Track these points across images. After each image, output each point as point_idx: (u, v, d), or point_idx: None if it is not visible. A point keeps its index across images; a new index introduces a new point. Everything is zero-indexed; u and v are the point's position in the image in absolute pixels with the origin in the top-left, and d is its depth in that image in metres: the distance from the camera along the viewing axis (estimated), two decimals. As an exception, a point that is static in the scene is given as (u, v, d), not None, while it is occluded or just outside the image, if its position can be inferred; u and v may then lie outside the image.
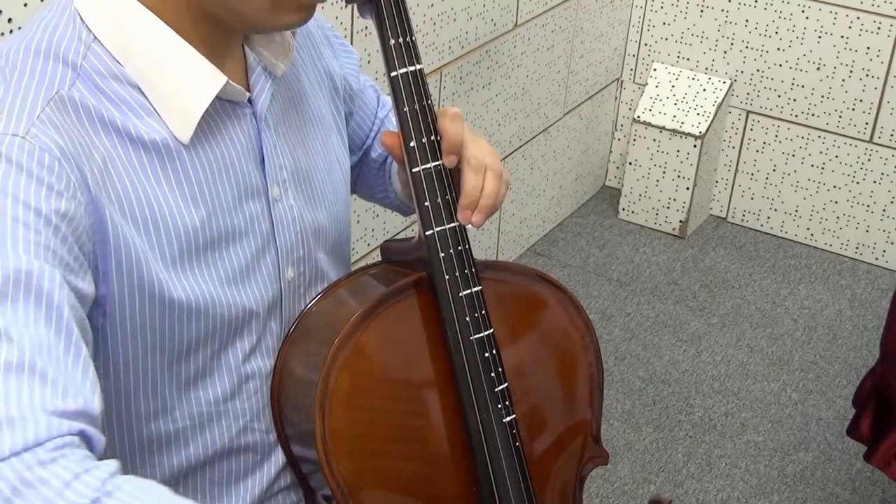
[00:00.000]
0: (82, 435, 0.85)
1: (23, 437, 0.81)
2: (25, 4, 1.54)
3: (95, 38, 1.01)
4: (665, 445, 2.57)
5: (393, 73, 1.11)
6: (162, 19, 1.01)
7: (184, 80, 1.02)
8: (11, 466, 0.80)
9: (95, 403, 0.88)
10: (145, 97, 1.02)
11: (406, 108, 1.12)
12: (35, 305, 0.88)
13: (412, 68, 1.11)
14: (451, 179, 1.14)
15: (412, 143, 1.12)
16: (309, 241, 1.18)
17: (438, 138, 1.13)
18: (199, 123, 1.03)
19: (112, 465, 0.84)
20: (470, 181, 1.13)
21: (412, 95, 1.12)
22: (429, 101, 1.13)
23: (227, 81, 1.04)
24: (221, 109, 1.07)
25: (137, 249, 1.00)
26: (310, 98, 1.21)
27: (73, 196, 0.94)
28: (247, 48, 1.11)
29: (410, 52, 1.11)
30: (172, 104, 1.02)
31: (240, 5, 1.01)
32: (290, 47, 1.13)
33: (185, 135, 1.03)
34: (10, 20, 1.53)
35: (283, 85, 1.16)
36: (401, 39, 1.11)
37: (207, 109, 1.04)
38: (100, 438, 0.87)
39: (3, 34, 1.53)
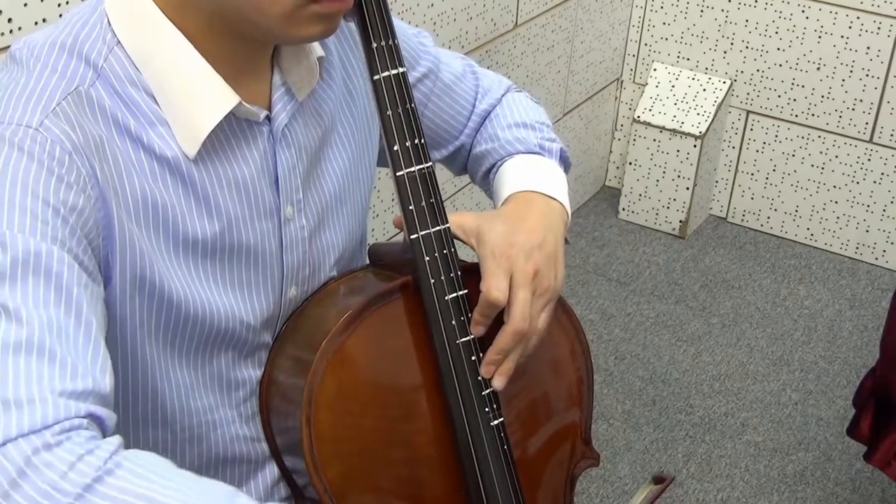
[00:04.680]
0: (91, 417, 0.86)
1: (30, 419, 0.82)
2: (25, 4, 1.55)
3: (119, 41, 1.01)
4: (665, 445, 2.57)
5: (375, 77, 1.10)
6: (183, 33, 1.01)
7: (195, 97, 1.01)
8: (18, 448, 0.81)
9: (106, 382, 0.89)
10: (159, 106, 1.01)
11: (389, 112, 1.11)
12: (44, 285, 0.88)
13: (395, 71, 1.10)
14: (435, 182, 1.13)
15: (396, 148, 1.11)
16: (316, 261, 1.17)
17: (422, 141, 1.12)
18: (210, 139, 1.03)
19: (114, 441, 0.84)
20: (500, 344, 1.13)
21: (395, 99, 1.11)
22: (412, 105, 1.12)
23: (240, 102, 1.03)
24: (237, 127, 1.06)
25: (142, 248, 1.00)
26: (345, 114, 1.19)
27: (82, 189, 0.94)
28: (276, 66, 1.10)
29: (393, 56, 1.10)
30: (182, 118, 1.01)
31: (256, 18, 0.99)
32: (315, 73, 1.12)
33: (192, 150, 1.02)
34: (10, 20, 1.53)
35: (311, 104, 1.14)
36: (383, 42, 1.10)
37: (220, 125, 1.03)
38: (110, 417, 0.88)
39: (2, 34, 1.53)
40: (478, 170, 1.36)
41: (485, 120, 1.35)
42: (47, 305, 0.88)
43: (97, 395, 0.87)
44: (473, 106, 1.34)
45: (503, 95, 1.36)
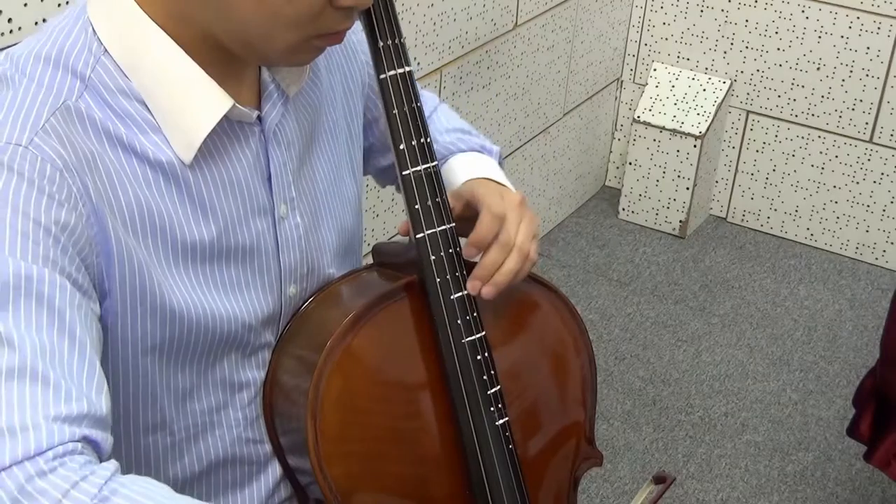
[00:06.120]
0: (86, 440, 0.85)
1: (24, 446, 0.82)
2: (25, 4, 1.54)
3: (105, 50, 0.99)
4: (665, 445, 2.57)
5: (382, 76, 1.11)
6: (174, 39, 1.00)
7: (189, 102, 1.01)
8: (12, 476, 0.80)
9: (102, 404, 0.88)
10: (151, 114, 1.00)
11: (395, 111, 1.11)
12: (36, 309, 0.88)
13: (402, 70, 1.11)
14: (441, 181, 1.13)
15: (402, 146, 1.11)
16: (313, 258, 1.17)
17: (428, 140, 1.12)
18: (205, 143, 1.02)
19: (110, 467, 0.83)
20: (491, 256, 1.13)
21: (402, 98, 1.11)
22: (418, 104, 1.12)
23: (234, 104, 1.02)
24: (229, 129, 1.05)
25: (140, 260, 1.00)
26: (328, 110, 1.20)
27: (74, 207, 0.93)
28: (263, 66, 1.10)
29: (400, 54, 1.11)
30: (176, 124, 1.01)
31: (262, 47, 1.00)
32: (305, 71, 1.12)
33: (188, 155, 1.02)
34: (10, 20, 1.53)
35: (299, 101, 1.15)
36: (390, 41, 1.10)
37: (214, 129, 1.02)
38: (105, 439, 0.87)
39: (2, 34, 1.53)
40: None
41: None
42: (40, 329, 0.87)
43: (92, 418, 0.86)
44: None
45: (437, 106, 1.39)
